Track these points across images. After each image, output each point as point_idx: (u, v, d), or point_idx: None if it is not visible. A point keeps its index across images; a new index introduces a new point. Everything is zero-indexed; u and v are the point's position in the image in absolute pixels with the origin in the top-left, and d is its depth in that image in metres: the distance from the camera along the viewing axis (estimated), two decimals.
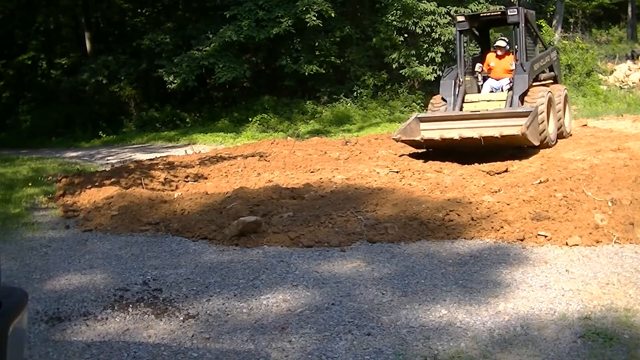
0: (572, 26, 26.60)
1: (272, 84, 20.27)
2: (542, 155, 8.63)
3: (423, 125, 9.52)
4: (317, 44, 18.58)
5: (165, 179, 8.60)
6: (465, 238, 5.24)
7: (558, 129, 10.06)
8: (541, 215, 5.39)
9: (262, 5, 17.84)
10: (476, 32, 11.40)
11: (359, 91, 19.25)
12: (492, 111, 9.25)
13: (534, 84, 9.82)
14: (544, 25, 21.75)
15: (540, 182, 6.31)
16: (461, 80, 10.07)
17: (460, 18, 10.39)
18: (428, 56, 18.79)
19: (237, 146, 12.97)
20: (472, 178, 7.15)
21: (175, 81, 18.00)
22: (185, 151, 12.91)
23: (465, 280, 4.24)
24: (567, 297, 3.84)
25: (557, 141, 9.79)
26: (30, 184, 8.71)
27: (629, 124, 12.60)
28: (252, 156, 10.39)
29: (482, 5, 18.75)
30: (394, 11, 18.27)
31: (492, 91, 10.19)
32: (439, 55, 18.54)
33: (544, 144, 9.18)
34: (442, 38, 18.30)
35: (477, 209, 5.76)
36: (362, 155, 10.16)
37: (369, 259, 4.82)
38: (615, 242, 4.85)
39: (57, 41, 25.19)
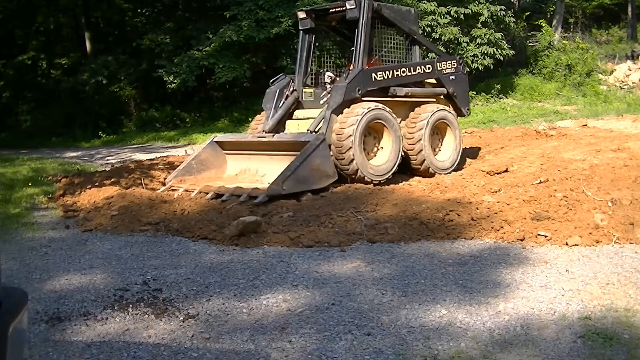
0: (572, 26, 26.61)
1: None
2: (542, 155, 8.62)
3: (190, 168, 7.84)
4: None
5: (165, 179, 8.60)
6: (465, 238, 5.24)
7: (417, 162, 7.99)
8: (541, 215, 5.39)
9: (262, 5, 17.84)
10: (345, 31, 9.26)
11: None
12: (275, 138, 7.67)
13: (369, 99, 7.69)
14: (544, 25, 21.77)
15: (540, 182, 6.31)
16: (293, 90, 8.41)
17: (301, 15, 8.63)
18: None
19: None
20: (472, 178, 7.15)
21: (175, 81, 18.01)
22: (185, 151, 12.91)
23: (465, 280, 4.24)
24: (567, 297, 3.84)
25: (389, 178, 7.59)
26: (30, 184, 8.71)
27: (629, 124, 12.61)
28: None
29: (482, 5, 18.77)
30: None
31: None
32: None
33: (358, 178, 7.25)
34: (443, 38, 18.31)
35: (477, 209, 5.76)
36: None
37: (369, 259, 4.82)
38: (615, 242, 4.85)
39: (57, 41, 25.21)
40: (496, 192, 6.29)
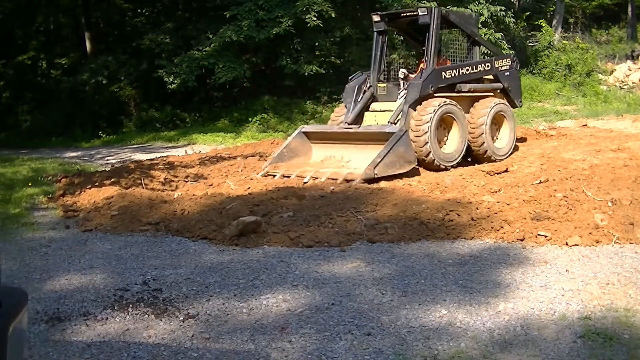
0: (572, 26, 26.60)
1: (272, 84, 20.27)
2: (542, 155, 8.63)
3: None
4: (317, 44, 18.58)
5: (165, 179, 8.61)
6: (465, 238, 5.24)
7: (480, 151, 8.93)
8: (541, 215, 5.39)
9: (262, 5, 17.83)
10: (416, 34, 10.19)
11: None
12: (361, 129, 8.58)
13: (441, 95, 8.68)
14: (544, 25, 21.77)
15: (540, 182, 6.31)
16: (369, 85, 9.26)
17: (375, 18, 9.54)
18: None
19: (237, 146, 12.96)
20: (472, 178, 7.15)
21: (175, 81, 18.00)
22: (185, 151, 12.91)
23: (465, 280, 4.24)
24: (567, 297, 3.84)
25: (459, 162, 8.60)
26: (30, 184, 8.71)
27: (629, 124, 12.61)
28: (252, 156, 10.39)
29: (482, 5, 18.77)
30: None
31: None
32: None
33: (433, 165, 8.21)
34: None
35: (477, 209, 5.76)
36: None
37: (369, 259, 4.82)
38: (615, 242, 4.85)
39: (57, 41, 25.19)
40: (496, 192, 6.30)
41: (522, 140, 10.70)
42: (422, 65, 9.35)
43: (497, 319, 3.59)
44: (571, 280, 4.13)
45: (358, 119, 9.01)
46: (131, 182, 8.32)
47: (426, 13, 8.82)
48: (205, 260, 5.01)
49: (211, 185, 8.15)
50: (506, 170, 7.45)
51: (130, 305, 4.03)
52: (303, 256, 4.96)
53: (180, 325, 3.69)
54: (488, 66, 9.56)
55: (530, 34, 23.18)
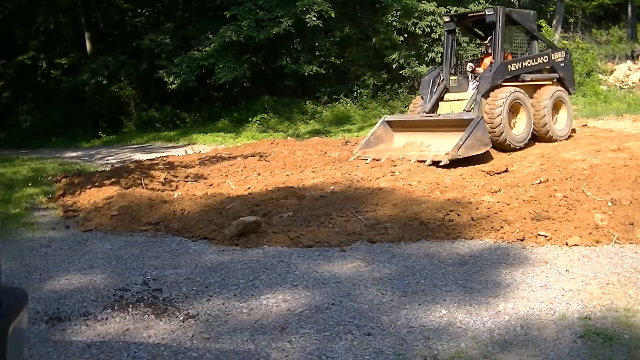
0: (572, 26, 26.60)
1: (272, 84, 20.27)
2: (542, 155, 8.63)
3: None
4: (317, 44, 18.59)
5: (165, 179, 8.60)
6: (465, 238, 5.24)
7: (542, 132, 10.05)
8: (541, 215, 5.39)
9: (262, 5, 17.84)
10: (479, 32, 11.50)
11: (359, 91, 19.26)
12: (441, 117, 9.51)
13: (508, 84, 9.77)
14: (544, 25, 21.75)
15: (540, 182, 6.31)
16: (442, 79, 10.35)
17: (446, 18, 10.90)
18: (428, 56, 18.81)
19: (237, 146, 12.97)
20: (472, 178, 7.15)
21: (176, 81, 18.00)
22: (185, 151, 12.91)
23: (465, 280, 4.24)
24: (567, 297, 3.84)
25: (527, 143, 9.74)
26: (30, 184, 8.71)
27: (629, 124, 12.60)
28: (252, 156, 10.39)
29: (481, 5, 18.76)
30: (394, 11, 18.29)
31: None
32: (439, 55, 18.54)
33: (505, 145, 9.31)
34: (443, 38, 18.29)
35: (477, 209, 5.76)
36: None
37: (369, 259, 4.82)
38: (615, 242, 4.85)
39: (57, 41, 25.19)
40: (496, 192, 6.29)
41: None
42: (485, 58, 10.72)
43: (497, 319, 3.59)
44: (571, 280, 4.13)
45: (434, 109, 10.15)
46: (131, 182, 8.32)
47: (493, 13, 9.95)
48: (205, 260, 5.01)
49: (211, 185, 8.15)
50: (506, 170, 7.45)
51: (130, 305, 4.03)
52: (303, 256, 4.96)
53: (180, 325, 3.69)
54: (546, 58, 10.73)
55: None
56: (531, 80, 10.33)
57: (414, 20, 18.32)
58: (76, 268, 4.94)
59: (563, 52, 11.22)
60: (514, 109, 9.69)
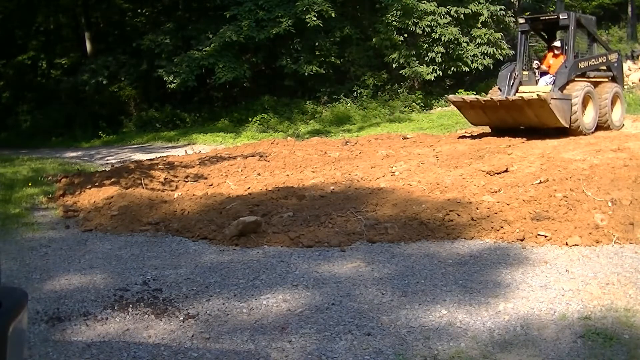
0: None
1: (272, 84, 20.27)
2: (542, 155, 8.62)
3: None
4: (317, 44, 18.58)
5: (165, 179, 8.60)
6: (465, 238, 5.24)
7: (603, 121, 11.36)
8: (541, 215, 5.39)
9: (262, 5, 17.83)
10: (543, 33, 12.96)
11: (359, 91, 19.25)
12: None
13: (579, 79, 11.18)
14: None
15: (540, 182, 6.31)
16: (517, 73, 11.59)
17: (521, 20, 12.38)
18: (428, 56, 18.79)
19: (237, 146, 12.97)
20: (472, 178, 7.14)
21: (175, 81, 18.00)
22: (185, 151, 12.91)
23: (465, 280, 4.24)
24: (567, 297, 3.84)
25: (594, 130, 11.03)
26: (30, 184, 8.70)
27: (629, 124, 12.60)
28: (252, 156, 10.39)
29: (482, 5, 18.76)
30: (394, 11, 18.28)
31: (547, 85, 11.64)
32: (439, 55, 18.55)
33: (577, 131, 10.59)
34: (442, 38, 18.31)
35: (477, 209, 5.76)
36: (363, 155, 10.16)
37: (369, 259, 4.82)
38: (615, 242, 4.85)
39: (57, 41, 25.17)
40: (496, 192, 6.29)
41: (522, 140, 10.69)
42: (548, 56, 12.17)
43: (497, 319, 3.59)
44: (571, 280, 4.13)
45: None
46: (131, 182, 8.32)
47: (566, 17, 11.31)
48: (205, 260, 5.01)
49: (211, 185, 8.16)
50: (506, 170, 7.44)
51: (130, 305, 4.03)
52: (303, 256, 4.96)
53: (180, 325, 3.69)
54: (604, 59, 12.21)
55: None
56: (594, 77, 11.71)
57: (414, 20, 18.31)
58: (76, 268, 4.94)
59: (616, 54, 12.88)
60: (584, 101, 10.92)
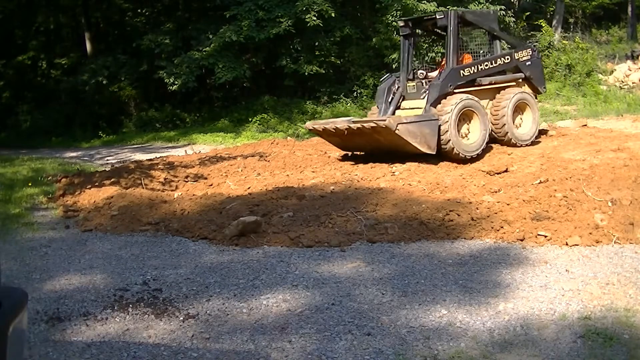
0: (572, 26, 26.58)
1: (272, 84, 20.26)
2: (542, 155, 8.62)
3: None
4: (317, 44, 18.57)
5: (165, 179, 8.60)
6: (465, 238, 5.24)
7: (502, 136, 9.54)
8: (541, 215, 5.39)
9: (262, 5, 17.82)
10: (434, 36, 10.99)
11: (359, 91, 19.24)
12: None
13: (468, 89, 9.32)
14: (544, 25, 21.74)
15: (540, 182, 6.31)
16: (397, 87, 9.82)
17: (401, 23, 10.46)
18: (428, 56, 18.78)
19: (237, 146, 12.95)
20: (472, 178, 7.15)
21: (176, 82, 18.00)
22: (185, 151, 12.91)
23: (465, 280, 4.24)
24: (567, 297, 3.84)
25: (481, 151, 9.04)
26: (30, 184, 8.71)
27: (629, 124, 12.59)
28: (252, 156, 10.38)
29: (482, 4, 18.76)
30: (394, 11, 18.27)
31: None
32: (439, 55, 18.52)
33: (454, 155, 8.68)
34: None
35: (477, 209, 5.76)
36: (362, 155, 10.15)
37: (369, 259, 4.82)
38: (615, 242, 4.85)
39: (57, 41, 25.18)
40: (496, 192, 6.29)
41: None
42: (443, 63, 10.23)
43: (497, 319, 3.59)
44: (571, 280, 4.13)
45: None
46: (131, 182, 8.32)
47: (443, 16, 9.51)
48: (205, 260, 5.01)
49: (211, 185, 8.16)
50: (506, 170, 7.45)
51: (130, 305, 4.03)
52: (303, 256, 4.96)
53: (180, 325, 3.69)
54: (508, 59, 10.17)
55: (530, 34, 23.15)
56: (490, 84, 9.70)
57: None
58: (76, 268, 4.94)
59: (529, 49, 10.55)
60: (466, 116, 9.11)
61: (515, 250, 4.88)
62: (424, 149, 8.46)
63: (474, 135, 9.19)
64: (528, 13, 24.25)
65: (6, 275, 4.57)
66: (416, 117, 8.59)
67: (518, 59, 10.22)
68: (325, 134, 9.72)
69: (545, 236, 5.02)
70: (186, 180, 8.61)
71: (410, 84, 9.87)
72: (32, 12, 22.44)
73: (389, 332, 3.47)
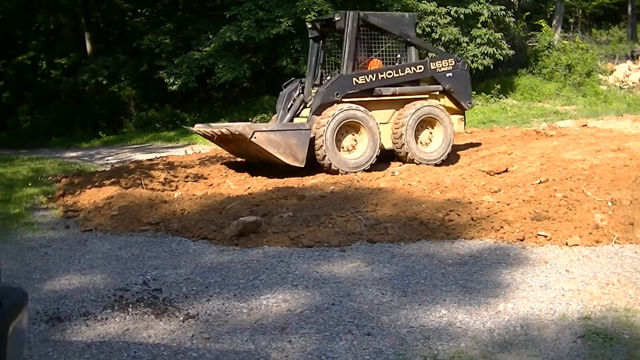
0: (572, 26, 26.60)
1: (272, 84, 20.24)
2: (542, 155, 8.62)
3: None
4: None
5: (165, 179, 8.60)
6: (465, 238, 5.24)
7: (400, 152, 8.77)
8: (541, 215, 5.39)
9: (262, 6, 17.83)
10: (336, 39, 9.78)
11: None
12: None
13: (364, 99, 8.60)
14: (543, 25, 21.76)
15: (540, 182, 6.31)
16: (299, 92, 9.17)
17: (308, 25, 9.72)
18: (428, 56, 18.77)
19: None
20: (472, 178, 7.15)
21: (176, 82, 18.00)
22: (185, 151, 12.91)
23: (465, 280, 4.24)
24: (567, 297, 3.84)
25: (366, 169, 8.41)
26: (30, 184, 8.71)
27: (629, 124, 12.60)
28: None
29: (482, 5, 18.75)
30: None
31: None
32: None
33: (331, 169, 8.23)
34: (443, 38, 18.29)
35: (477, 209, 5.76)
36: None
37: (369, 259, 4.82)
38: (615, 242, 4.85)
39: (57, 41, 25.19)
40: (496, 192, 6.29)
41: (522, 140, 10.69)
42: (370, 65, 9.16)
43: (497, 319, 3.59)
44: (571, 280, 4.13)
45: None
46: (131, 182, 8.31)
47: (340, 18, 8.66)
48: (205, 260, 5.01)
49: (211, 185, 8.16)
50: (506, 171, 7.45)
51: (130, 305, 4.03)
52: (303, 256, 4.96)
53: (180, 325, 3.69)
54: (420, 68, 9.12)
55: (530, 34, 23.17)
56: (393, 94, 8.77)
57: None
58: (76, 268, 4.94)
59: (451, 59, 9.47)
60: (353, 128, 8.47)
61: (515, 250, 4.88)
62: (289, 161, 7.92)
63: (360, 150, 8.50)
64: (528, 13, 24.26)
65: (6, 275, 4.57)
66: (281, 126, 8.11)
67: (435, 69, 9.20)
68: (211, 139, 9.23)
69: (545, 236, 5.03)
70: (186, 180, 8.61)
71: (314, 90, 9.05)
72: (32, 12, 22.44)
73: (389, 332, 3.47)
